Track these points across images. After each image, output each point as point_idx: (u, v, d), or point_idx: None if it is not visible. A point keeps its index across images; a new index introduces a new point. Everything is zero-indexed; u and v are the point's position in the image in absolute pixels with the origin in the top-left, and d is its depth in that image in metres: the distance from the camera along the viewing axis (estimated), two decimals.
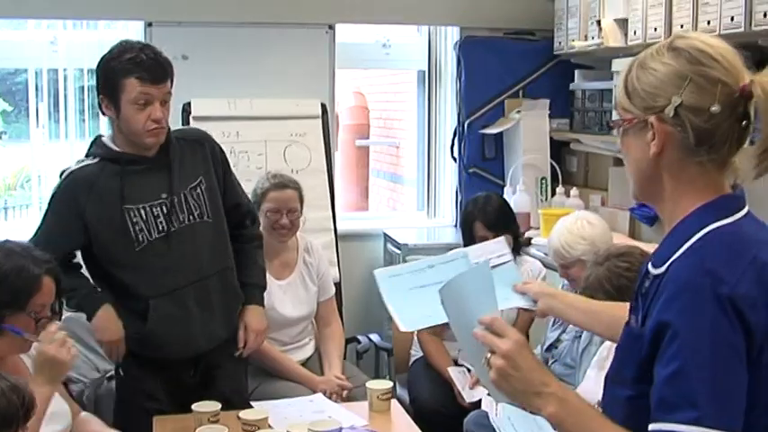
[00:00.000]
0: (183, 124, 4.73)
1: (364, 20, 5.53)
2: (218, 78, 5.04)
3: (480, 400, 3.74)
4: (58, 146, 5.29)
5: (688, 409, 1.46)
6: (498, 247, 2.27)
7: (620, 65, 4.51)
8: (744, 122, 1.60)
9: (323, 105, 5.07)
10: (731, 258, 1.54)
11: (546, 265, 4.16)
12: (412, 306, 2.08)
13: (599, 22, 4.70)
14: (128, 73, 2.90)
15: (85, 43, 5.19)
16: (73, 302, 3.08)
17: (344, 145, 7.51)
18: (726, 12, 3.68)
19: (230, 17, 5.08)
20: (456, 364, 4.04)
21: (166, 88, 2.98)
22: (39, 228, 3.11)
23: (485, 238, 3.93)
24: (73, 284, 3.00)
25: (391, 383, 3.30)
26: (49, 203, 3.10)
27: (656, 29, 4.19)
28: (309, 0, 5.23)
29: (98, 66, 3.01)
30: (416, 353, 4.24)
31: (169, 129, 3.07)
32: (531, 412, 1.64)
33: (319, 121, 5.03)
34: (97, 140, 3.12)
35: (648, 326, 1.55)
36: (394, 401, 3.27)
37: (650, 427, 1.50)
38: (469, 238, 4.04)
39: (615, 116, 1.75)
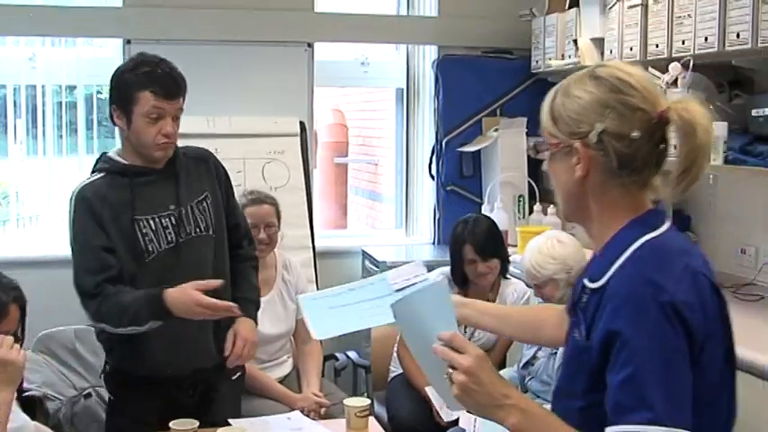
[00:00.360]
0: None
1: (343, 38, 5.56)
2: (197, 96, 4.96)
3: (458, 419, 3.76)
4: (36, 162, 5.28)
5: (643, 410, 1.55)
6: (415, 269, 2.39)
7: None
8: (662, 146, 1.72)
9: (301, 123, 5.08)
10: (667, 268, 1.64)
11: (530, 286, 4.17)
12: (327, 319, 2.30)
13: (575, 42, 4.75)
14: (142, 86, 2.90)
15: (64, 60, 5.20)
16: (144, 315, 2.86)
17: (323, 162, 7.52)
18: (700, 32, 3.73)
19: (209, 35, 5.09)
20: None
21: (179, 104, 2.98)
22: (75, 253, 3.00)
23: (473, 262, 3.96)
24: (131, 302, 2.87)
25: (369, 401, 3.29)
26: (72, 225, 3.00)
27: (631, 48, 4.24)
28: (288, 18, 5.26)
29: (113, 76, 3.00)
30: (395, 370, 4.24)
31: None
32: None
33: (298, 138, 5.04)
34: (103, 156, 3.10)
35: (596, 337, 1.65)
36: (372, 419, 3.27)
37: (607, 430, 1.59)
38: (459, 261, 4.04)
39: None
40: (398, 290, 2.39)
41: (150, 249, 2.97)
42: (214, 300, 2.79)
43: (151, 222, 3.00)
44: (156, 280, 2.93)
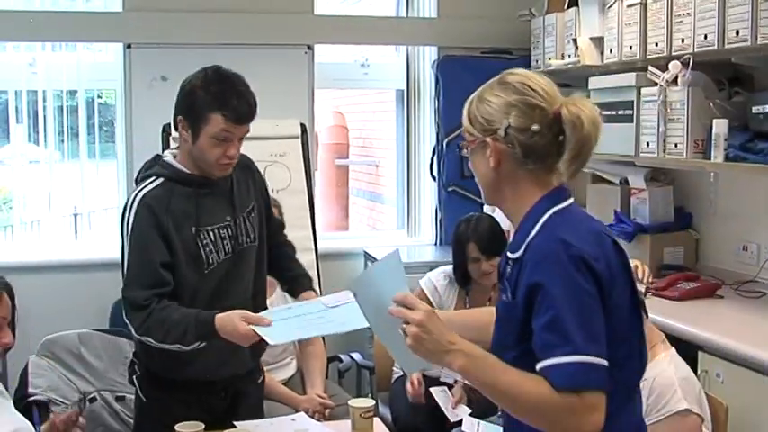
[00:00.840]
0: (162, 145, 4.74)
1: (342, 40, 5.57)
2: None
3: (461, 420, 3.77)
4: (38, 167, 5.29)
5: (565, 345, 1.84)
6: (347, 296, 2.68)
7: (596, 83, 4.56)
8: (561, 137, 2.00)
9: (302, 125, 5.09)
10: (573, 229, 1.96)
11: None
12: (276, 329, 2.67)
13: (575, 41, 4.76)
14: (215, 108, 2.82)
15: (64, 65, 5.21)
16: (190, 336, 2.81)
17: (324, 164, 7.53)
18: (699, 30, 3.74)
19: (209, 38, 5.10)
20: (438, 382, 4.06)
21: (248, 128, 2.91)
22: (129, 263, 2.91)
23: (477, 260, 3.96)
24: (180, 321, 2.82)
25: (373, 401, 3.29)
26: (130, 234, 2.90)
27: (631, 47, 4.25)
28: (288, 21, 5.27)
29: (183, 86, 2.93)
30: (398, 371, 4.25)
31: None
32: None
33: (299, 140, 5.05)
34: (159, 161, 3.01)
35: (520, 294, 1.95)
36: (376, 420, 3.27)
37: (537, 367, 1.86)
38: (462, 260, 4.04)
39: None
40: (332, 307, 2.77)
41: (211, 261, 2.93)
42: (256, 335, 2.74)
43: (211, 234, 2.96)
44: (215, 290, 2.92)
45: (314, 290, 3.21)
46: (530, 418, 1.91)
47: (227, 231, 2.99)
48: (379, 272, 2.12)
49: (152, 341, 2.82)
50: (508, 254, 2.04)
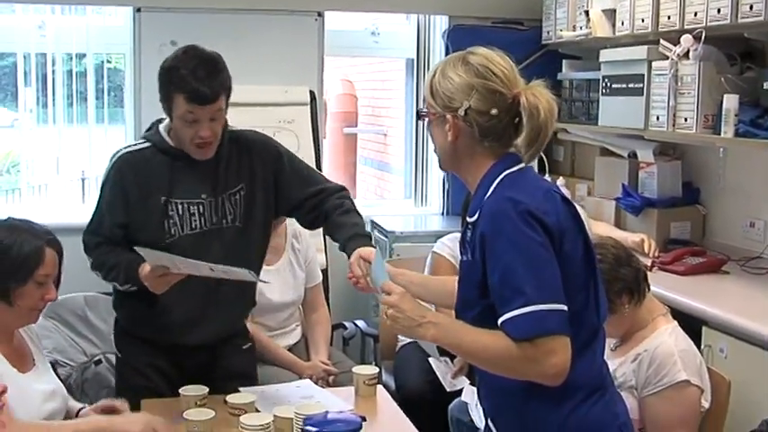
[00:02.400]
0: None
1: (353, 7, 5.54)
2: None
3: (461, 390, 3.78)
4: (46, 131, 5.29)
5: (517, 298, 1.97)
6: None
7: (607, 55, 4.54)
8: (517, 119, 2.12)
9: (311, 92, 5.08)
10: (522, 187, 2.08)
11: None
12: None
13: (587, 13, 4.73)
14: (176, 89, 2.88)
15: (73, 28, 5.20)
16: (121, 278, 3.00)
17: (332, 132, 7.51)
18: (712, 4, 3.71)
19: (220, 3, 5.08)
20: (439, 352, 4.07)
21: (216, 107, 2.92)
22: (94, 211, 3.12)
23: None
24: (115, 264, 3.02)
25: (377, 369, 3.31)
26: (101, 186, 3.10)
27: (643, 20, 4.22)
28: None
29: (159, 68, 2.98)
30: (403, 339, 4.26)
31: (225, 129, 3.07)
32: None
33: (308, 108, 5.04)
34: (155, 126, 3.10)
35: (478, 254, 2.06)
36: (380, 387, 3.29)
37: (498, 321, 1.99)
38: None
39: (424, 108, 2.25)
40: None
41: (173, 233, 3.00)
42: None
43: (179, 207, 3.01)
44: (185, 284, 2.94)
45: (368, 245, 3.01)
46: (497, 370, 2.07)
47: (199, 208, 3.04)
48: (377, 262, 2.45)
49: (100, 277, 3.08)
50: (468, 218, 2.15)
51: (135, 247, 2.89)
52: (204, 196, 3.04)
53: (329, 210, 3.19)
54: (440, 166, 2.32)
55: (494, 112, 2.09)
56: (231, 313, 3.23)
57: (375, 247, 2.72)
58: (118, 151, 3.10)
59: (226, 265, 2.85)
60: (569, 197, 2.16)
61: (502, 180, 2.10)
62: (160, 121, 3.10)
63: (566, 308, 1.98)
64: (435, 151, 2.26)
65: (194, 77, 2.86)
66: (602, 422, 2.13)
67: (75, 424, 2.65)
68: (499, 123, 2.11)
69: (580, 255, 2.10)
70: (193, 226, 3.03)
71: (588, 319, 2.11)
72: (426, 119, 2.22)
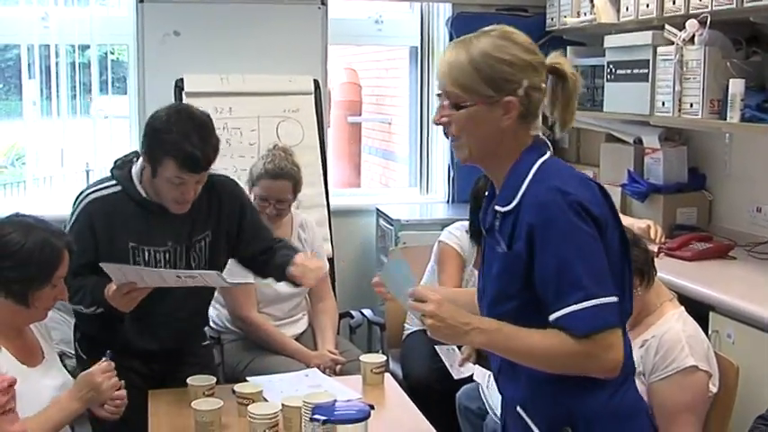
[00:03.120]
0: (175, 100, 4.73)
1: None
2: (211, 54, 5.03)
3: (471, 375, 3.78)
4: (51, 123, 5.29)
5: (576, 291, 1.92)
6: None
7: (612, 41, 4.53)
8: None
9: (315, 81, 5.07)
10: (565, 177, 2.02)
11: None
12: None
13: None
14: (169, 154, 2.86)
15: (77, 19, 5.18)
16: (87, 300, 3.01)
17: (336, 121, 7.50)
18: None
19: None
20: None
21: (204, 175, 2.96)
22: None
23: None
24: (81, 284, 2.99)
25: (384, 357, 3.31)
26: (70, 227, 3.05)
27: (647, 5, 4.20)
28: None
29: (147, 125, 2.97)
30: (410, 327, 4.26)
31: None
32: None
33: (312, 97, 5.04)
34: (125, 169, 3.08)
35: (521, 246, 1.99)
36: (387, 375, 3.30)
37: (551, 317, 1.95)
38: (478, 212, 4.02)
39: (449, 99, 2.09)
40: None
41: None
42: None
43: (146, 254, 3.05)
44: (139, 305, 2.94)
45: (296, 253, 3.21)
46: (553, 369, 2.01)
47: (165, 255, 3.08)
48: (393, 268, 2.33)
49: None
50: (498, 208, 2.07)
51: (100, 263, 2.82)
52: (170, 243, 3.08)
53: (277, 259, 3.23)
54: (464, 158, 2.14)
55: (543, 85, 2.05)
56: (189, 321, 3.30)
57: (394, 253, 2.58)
58: (86, 192, 3.08)
59: (194, 270, 2.95)
60: (599, 182, 2.13)
61: (539, 168, 2.04)
62: (131, 160, 3.09)
63: (616, 300, 1.96)
64: (471, 141, 2.09)
65: (189, 143, 2.84)
66: (634, 407, 2.12)
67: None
68: (542, 97, 2.07)
69: (617, 243, 2.06)
70: (158, 259, 3.06)
71: (624, 308, 2.07)
72: (464, 110, 2.05)
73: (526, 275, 1.99)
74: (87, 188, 3.13)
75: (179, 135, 2.85)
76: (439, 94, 2.15)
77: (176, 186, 2.92)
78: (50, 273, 2.62)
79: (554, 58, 2.09)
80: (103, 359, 2.72)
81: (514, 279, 2.02)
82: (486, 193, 2.23)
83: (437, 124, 2.15)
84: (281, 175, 3.82)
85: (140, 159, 3.02)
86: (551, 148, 2.11)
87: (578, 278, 1.92)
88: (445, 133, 2.15)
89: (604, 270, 1.96)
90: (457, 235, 4.11)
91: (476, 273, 4.09)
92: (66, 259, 2.67)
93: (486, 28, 2.09)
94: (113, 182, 3.06)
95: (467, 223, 4.13)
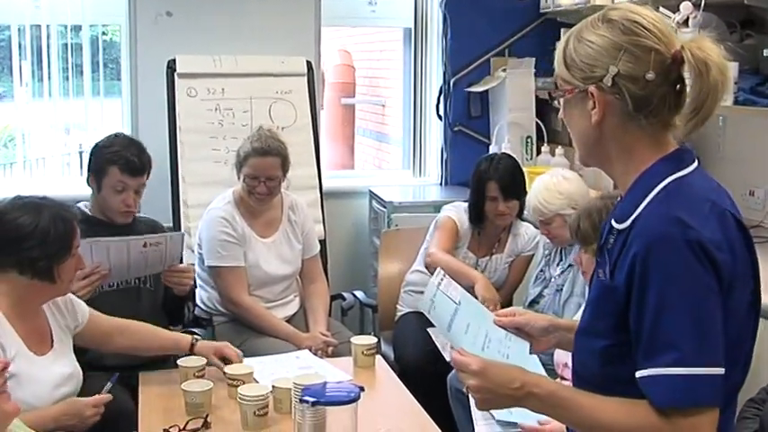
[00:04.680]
0: (167, 82, 4.72)
1: None
2: (203, 35, 5.01)
3: None
4: (42, 104, 5.26)
5: (670, 351, 1.55)
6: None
7: None
8: (678, 86, 1.70)
9: (308, 63, 5.05)
10: (693, 206, 1.62)
11: (536, 226, 4.18)
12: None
13: None
14: (111, 162, 3.44)
15: (69, 0, 5.15)
16: None
17: (330, 103, 7.49)
18: None
19: None
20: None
21: (142, 180, 3.50)
22: None
23: (495, 200, 3.96)
24: None
25: (376, 339, 3.31)
26: None
27: None
28: None
29: (92, 148, 3.56)
30: (402, 309, 4.26)
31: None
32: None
33: (305, 78, 5.01)
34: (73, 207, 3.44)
35: (621, 277, 1.63)
36: (379, 357, 3.30)
37: (637, 375, 1.60)
38: (480, 197, 4.02)
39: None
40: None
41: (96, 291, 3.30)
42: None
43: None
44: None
45: None
46: None
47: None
48: (432, 294, 2.07)
49: None
50: (613, 222, 1.72)
51: None
52: None
53: None
54: (580, 160, 1.87)
55: (649, 76, 1.66)
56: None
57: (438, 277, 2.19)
58: None
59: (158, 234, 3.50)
60: (742, 219, 1.71)
61: (666, 187, 1.66)
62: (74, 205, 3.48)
63: (723, 371, 1.57)
64: (574, 140, 1.83)
65: (128, 152, 3.46)
66: None
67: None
68: (656, 91, 1.68)
69: (745, 305, 1.68)
70: (111, 284, 3.43)
71: (734, 378, 1.68)
72: (561, 100, 1.79)
73: (621, 315, 1.64)
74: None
75: (120, 147, 3.48)
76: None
77: (119, 193, 3.45)
78: (69, 243, 2.71)
79: (689, 42, 1.67)
80: (107, 386, 2.80)
81: (608, 315, 1.68)
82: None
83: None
84: (269, 152, 3.81)
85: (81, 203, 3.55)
86: (694, 164, 1.73)
87: (677, 337, 1.55)
88: None
89: (715, 333, 1.57)
90: (458, 212, 4.12)
91: (471, 255, 4.10)
92: (77, 228, 2.77)
93: (615, 4, 1.81)
94: None
95: (465, 205, 4.13)
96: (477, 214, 4.06)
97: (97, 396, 2.74)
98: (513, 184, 3.99)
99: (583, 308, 1.86)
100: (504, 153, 4.50)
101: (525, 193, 4.07)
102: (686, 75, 1.69)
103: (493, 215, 4.00)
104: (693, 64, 1.65)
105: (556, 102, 1.82)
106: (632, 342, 1.62)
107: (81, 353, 3.12)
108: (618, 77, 1.68)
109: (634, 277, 1.60)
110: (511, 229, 4.16)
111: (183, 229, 4.46)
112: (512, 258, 4.18)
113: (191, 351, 3.10)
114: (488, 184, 3.98)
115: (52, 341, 2.78)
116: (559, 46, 1.79)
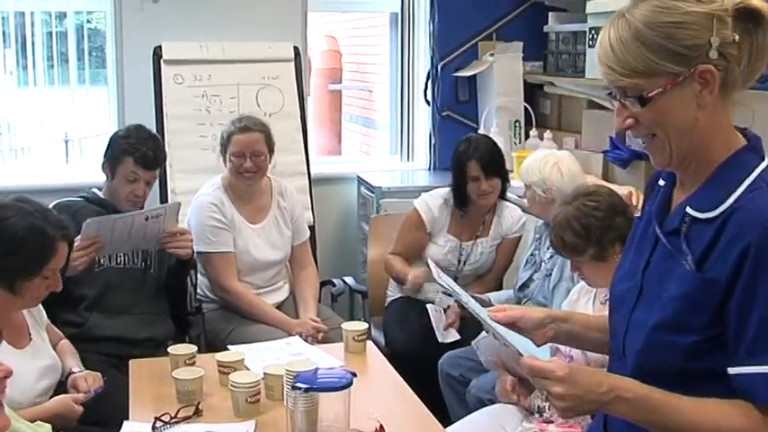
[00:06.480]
0: (153, 69, 4.69)
1: None
2: (189, 21, 4.98)
3: (454, 343, 3.79)
4: (27, 93, 5.23)
5: None
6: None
7: (594, 6, 4.50)
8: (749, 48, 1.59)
9: (295, 48, 5.03)
10: None
11: (525, 210, 4.19)
12: None
13: None
14: (128, 152, 3.54)
15: None
16: None
17: (317, 89, 7.47)
18: None
19: None
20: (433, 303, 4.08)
21: (154, 174, 3.63)
22: None
23: (477, 179, 3.96)
24: None
25: (366, 325, 3.31)
26: None
27: None
28: None
29: (110, 138, 3.67)
30: (392, 294, 4.26)
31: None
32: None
33: (292, 64, 4.99)
34: (88, 191, 3.68)
35: (723, 271, 1.55)
36: (369, 343, 3.29)
37: (732, 370, 1.55)
38: (462, 179, 4.03)
39: (620, 91, 1.66)
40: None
41: (102, 263, 3.51)
42: None
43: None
44: (99, 287, 3.50)
45: None
46: None
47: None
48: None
49: None
50: (690, 211, 1.64)
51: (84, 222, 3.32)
52: None
53: None
54: (664, 163, 1.69)
55: (737, 38, 1.56)
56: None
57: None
58: (52, 204, 3.39)
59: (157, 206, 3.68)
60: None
61: (762, 175, 1.59)
62: (89, 190, 3.69)
63: None
64: (660, 142, 1.65)
65: (144, 146, 3.56)
66: None
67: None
68: (742, 55, 1.58)
69: None
70: (118, 261, 3.56)
71: None
72: (653, 99, 1.60)
73: (719, 308, 1.57)
74: (54, 202, 3.53)
75: (136, 140, 3.57)
76: (610, 93, 1.70)
77: (130, 183, 3.54)
78: (41, 265, 2.58)
79: None
80: (90, 395, 2.75)
81: (702, 310, 1.59)
82: (662, 182, 1.80)
83: (621, 131, 1.71)
84: (252, 128, 3.86)
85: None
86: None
87: None
88: (622, 139, 1.65)
89: None
90: (428, 201, 4.14)
91: (453, 239, 4.10)
92: (62, 252, 2.63)
93: None
94: (78, 198, 3.64)
95: (445, 191, 4.14)
96: (460, 197, 4.07)
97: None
98: (493, 161, 4.01)
99: (639, 289, 1.74)
100: (481, 134, 4.52)
101: (506, 170, 4.13)
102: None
103: (476, 195, 4.01)
104: (762, 15, 1.58)
105: (630, 103, 1.63)
106: (729, 337, 1.56)
107: (75, 324, 3.33)
108: (720, 47, 1.56)
109: (743, 270, 1.53)
110: (495, 210, 4.16)
111: None
112: (498, 241, 4.18)
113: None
114: (469, 165, 3.99)
115: (30, 334, 2.76)
116: (625, 43, 1.62)
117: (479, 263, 4.11)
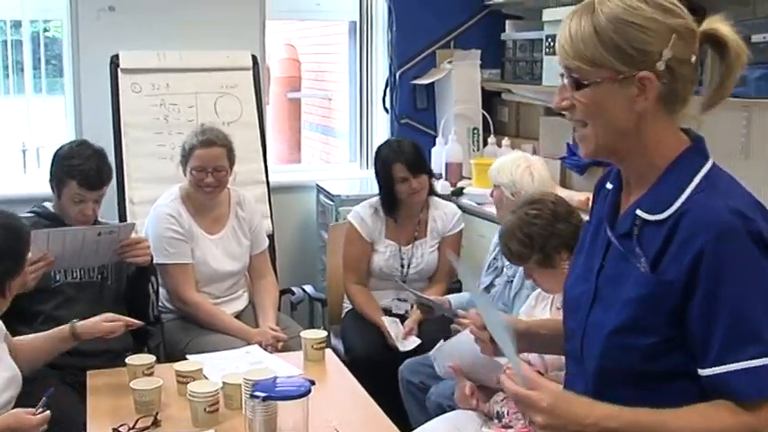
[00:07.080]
0: (110, 78, 4.66)
1: None
2: (147, 30, 4.96)
3: (414, 350, 3.80)
4: None
5: (755, 343, 1.53)
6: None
7: (550, 14, 4.54)
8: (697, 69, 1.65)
9: (253, 57, 5.02)
10: (742, 196, 1.63)
11: (465, 211, 4.24)
12: None
13: None
14: (71, 176, 3.44)
15: None
16: None
17: (276, 98, 7.46)
18: None
19: None
20: (389, 314, 4.09)
21: (101, 193, 3.53)
22: None
23: (405, 180, 4.02)
24: None
25: (325, 333, 3.32)
26: None
27: None
28: None
29: (54, 156, 3.56)
30: (349, 304, 4.27)
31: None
32: None
33: (250, 72, 4.98)
34: (39, 206, 3.61)
35: (679, 272, 1.58)
36: (329, 351, 3.30)
37: (705, 372, 1.57)
38: (389, 183, 4.11)
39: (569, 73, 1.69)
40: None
41: (57, 279, 3.47)
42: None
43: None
44: (55, 303, 3.44)
45: None
46: None
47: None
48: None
49: None
50: (641, 213, 1.67)
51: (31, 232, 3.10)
52: None
53: None
54: (589, 152, 1.72)
55: (693, 59, 1.61)
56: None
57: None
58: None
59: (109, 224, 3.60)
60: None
61: (707, 176, 1.64)
62: (40, 204, 3.63)
63: None
64: (600, 128, 1.68)
65: (87, 168, 3.45)
66: None
67: None
68: (694, 75, 1.63)
69: None
70: (74, 275, 3.50)
71: None
72: (588, 86, 1.65)
73: (677, 309, 1.59)
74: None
75: (79, 159, 3.46)
76: (561, 75, 1.72)
77: (77, 204, 3.47)
78: (22, 259, 2.68)
79: (710, 22, 1.65)
80: (42, 401, 2.60)
81: (659, 311, 1.61)
82: (609, 185, 1.83)
83: (558, 109, 1.73)
84: (214, 143, 3.83)
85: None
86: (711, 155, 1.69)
87: (760, 329, 1.54)
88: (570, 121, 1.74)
89: None
90: (361, 213, 4.20)
91: (392, 244, 4.12)
92: (29, 240, 2.73)
93: None
94: (29, 213, 3.56)
95: (373, 200, 4.19)
96: (389, 202, 4.12)
97: (39, 416, 2.65)
98: (418, 159, 4.12)
99: (594, 293, 1.76)
100: (399, 137, 4.74)
101: (429, 166, 4.27)
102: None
103: (406, 195, 4.08)
104: (725, 42, 1.63)
105: (569, 84, 1.68)
106: (695, 340, 1.58)
107: None
108: (671, 61, 1.60)
109: (699, 271, 1.56)
110: (428, 206, 4.20)
111: None
112: (437, 240, 4.21)
113: (75, 336, 3.01)
114: (394, 167, 4.07)
115: None
116: (583, 30, 1.65)
117: (422, 265, 4.16)
